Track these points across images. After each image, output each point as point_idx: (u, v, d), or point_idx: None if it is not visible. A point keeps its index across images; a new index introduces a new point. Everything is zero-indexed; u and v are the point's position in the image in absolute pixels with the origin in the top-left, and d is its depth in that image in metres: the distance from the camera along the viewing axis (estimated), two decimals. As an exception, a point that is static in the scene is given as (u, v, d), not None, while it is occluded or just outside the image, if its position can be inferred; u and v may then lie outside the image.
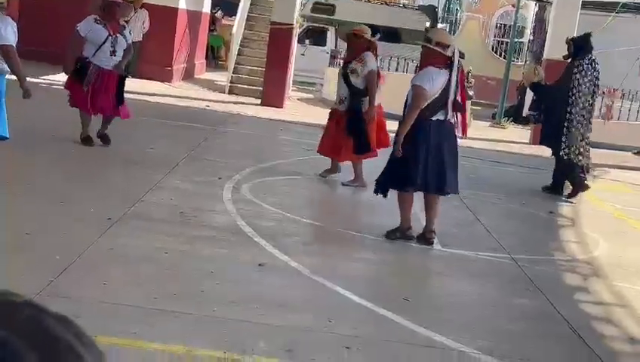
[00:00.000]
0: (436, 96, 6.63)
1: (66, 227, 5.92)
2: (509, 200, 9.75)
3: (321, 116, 9.67)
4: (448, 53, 6.67)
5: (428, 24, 23.58)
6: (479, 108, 20.61)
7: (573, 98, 9.91)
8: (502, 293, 6.00)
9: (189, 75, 19.24)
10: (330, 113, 9.28)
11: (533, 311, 5.62)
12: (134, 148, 9.36)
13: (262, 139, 12.28)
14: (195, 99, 15.63)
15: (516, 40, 22.94)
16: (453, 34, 28.34)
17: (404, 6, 31.41)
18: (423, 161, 6.64)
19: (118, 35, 8.95)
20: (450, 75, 6.64)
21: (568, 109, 9.91)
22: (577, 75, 9.93)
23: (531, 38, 24.42)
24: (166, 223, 6.47)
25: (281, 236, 6.60)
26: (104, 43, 8.87)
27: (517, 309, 5.65)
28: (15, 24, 6.92)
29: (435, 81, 6.62)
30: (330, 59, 22.31)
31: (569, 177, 10.19)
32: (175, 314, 4.53)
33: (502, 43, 27.44)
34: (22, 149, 7.90)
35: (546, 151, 11.05)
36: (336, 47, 22.75)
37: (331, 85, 17.24)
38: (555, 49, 14.54)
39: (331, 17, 24.40)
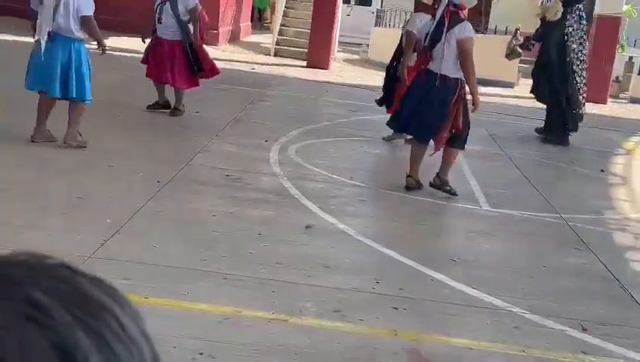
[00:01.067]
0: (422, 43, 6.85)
1: (116, 190, 6.01)
2: (559, 158, 9.62)
3: (367, 77, 9.61)
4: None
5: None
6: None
7: (568, 49, 10.15)
8: (551, 253, 5.94)
9: (234, 38, 19.24)
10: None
11: (583, 270, 5.56)
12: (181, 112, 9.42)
13: (308, 101, 12.25)
14: (240, 62, 15.64)
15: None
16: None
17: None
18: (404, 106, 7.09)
19: (166, 2, 8.92)
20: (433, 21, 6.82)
21: (565, 60, 10.16)
22: (569, 23, 10.18)
23: None
24: (213, 186, 6.52)
25: (328, 198, 6.61)
26: (155, 11, 8.94)
27: (566, 268, 5.60)
28: None
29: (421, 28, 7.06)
30: (376, 19, 22.09)
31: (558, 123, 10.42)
32: (224, 275, 4.58)
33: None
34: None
35: (598, 110, 10.87)
36: (382, 6, 22.52)
37: (377, 45, 17.10)
38: (608, 3, 14.20)
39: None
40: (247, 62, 15.80)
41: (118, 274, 4.31)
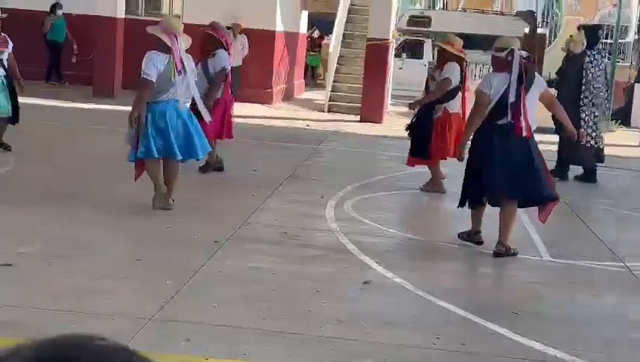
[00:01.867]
0: (497, 99, 6.55)
1: (175, 251, 6.08)
2: (622, 206, 9.44)
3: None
4: (502, 55, 6.64)
5: (527, 30, 23.17)
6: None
7: (587, 89, 10.39)
8: (616, 304, 5.80)
9: (288, 96, 19.49)
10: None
11: (650, 320, 5.41)
12: (238, 170, 9.53)
13: (362, 156, 12.30)
14: (295, 119, 15.82)
15: (620, 40, 22.25)
16: (554, 38, 27.75)
17: (502, 13, 30.97)
18: (488, 168, 6.54)
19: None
20: (511, 77, 6.55)
21: (583, 100, 10.37)
22: (590, 65, 10.46)
23: (636, 37, 23.65)
24: (271, 244, 6.56)
25: (385, 252, 6.58)
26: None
27: (633, 320, 5.45)
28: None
29: (494, 84, 6.57)
30: (427, 71, 22.18)
31: (583, 162, 10.65)
32: (283, 334, 4.58)
33: (605, 44, 26.68)
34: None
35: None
36: (433, 58, 22.60)
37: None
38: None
39: (428, 29, 24.29)
40: (301, 119, 15.97)
41: (179, 335, 4.35)
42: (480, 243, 6.81)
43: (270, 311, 4.93)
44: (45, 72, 17.24)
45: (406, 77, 20.73)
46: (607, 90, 10.91)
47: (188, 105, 7.34)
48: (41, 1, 17.04)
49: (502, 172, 6.49)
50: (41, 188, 7.82)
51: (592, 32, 11.05)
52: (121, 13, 16.21)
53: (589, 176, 10.64)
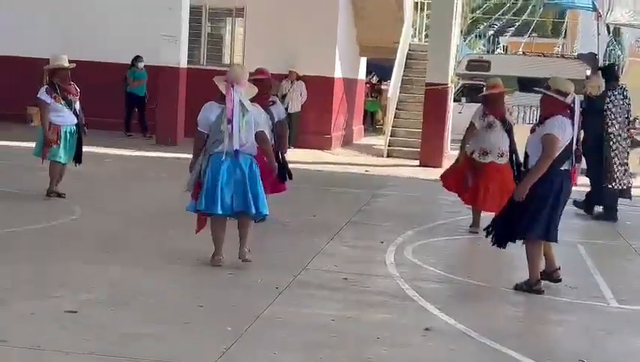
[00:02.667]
0: (566, 144, 6.57)
1: (236, 297, 6.10)
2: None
3: (481, 174, 9.55)
4: (568, 100, 6.60)
5: (588, 72, 22.90)
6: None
7: (606, 125, 10.40)
8: (688, 351, 5.60)
9: (347, 141, 19.57)
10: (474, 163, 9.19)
11: None
12: (297, 216, 9.56)
13: (422, 200, 12.23)
14: (354, 164, 15.85)
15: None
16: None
17: (563, 56, 30.73)
18: (549, 211, 6.60)
19: None
20: (573, 123, 6.60)
21: (605, 141, 10.42)
22: (610, 105, 10.43)
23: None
24: (331, 290, 6.53)
25: (446, 298, 6.50)
26: None
27: None
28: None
29: (566, 130, 6.56)
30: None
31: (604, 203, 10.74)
32: (344, 381, 4.53)
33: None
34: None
35: None
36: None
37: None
38: None
39: (487, 73, 24.20)
40: (360, 164, 16.00)
41: (239, 382, 4.33)
42: (541, 292, 6.76)
43: (331, 359, 4.90)
44: (124, 124, 17.54)
45: (466, 121, 20.61)
46: (628, 130, 10.79)
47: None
48: (122, 53, 17.52)
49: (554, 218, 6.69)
50: (104, 236, 7.96)
51: (608, 71, 11.02)
52: (183, 63, 16.57)
53: (607, 215, 10.67)
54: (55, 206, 9.23)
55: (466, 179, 9.19)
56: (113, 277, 6.41)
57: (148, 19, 17.14)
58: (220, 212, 6.82)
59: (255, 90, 7.08)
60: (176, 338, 5.06)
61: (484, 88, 9.64)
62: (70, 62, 9.61)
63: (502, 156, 9.08)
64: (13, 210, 8.88)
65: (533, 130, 6.77)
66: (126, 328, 5.18)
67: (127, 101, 17.66)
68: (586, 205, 10.82)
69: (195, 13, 17.70)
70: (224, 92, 6.80)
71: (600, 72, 11.04)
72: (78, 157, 9.75)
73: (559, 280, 6.91)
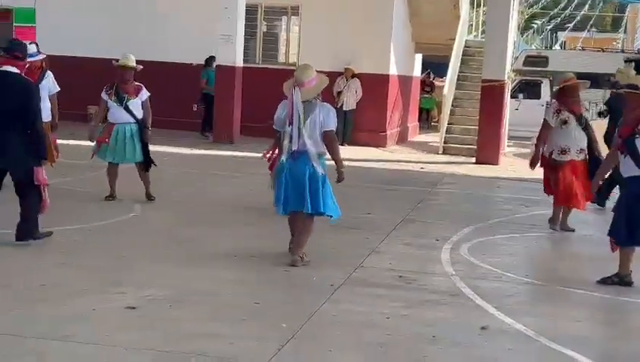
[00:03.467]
0: None
1: (292, 295, 6.14)
2: None
3: (540, 171, 9.43)
4: None
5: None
6: None
7: None
8: None
9: (402, 139, 19.52)
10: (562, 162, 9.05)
11: None
12: (352, 213, 9.55)
13: (479, 198, 12.13)
14: (409, 161, 15.80)
15: None
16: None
17: (623, 51, 30.13)
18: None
19: None
20: None
21: None
22: None
23: None
24: (386, 288, 6.53)
25: (503, 297, 6.44)
26: None
27: None
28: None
29: None
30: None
31: None
32: (399, 379, 4.53)
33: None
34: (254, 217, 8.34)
35: None
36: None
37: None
38: None
39: (545, 69, 23.88)
40: (415, 161, 15.94)
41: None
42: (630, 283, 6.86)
43: (385, 357, 4.90)
44: (201, 124, 17.40)
45: (523, 118, 20.37)
46: None
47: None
48: (180, 53, 17.74)
49: None
50: (163, 233, 8.08)
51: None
52: (239, 62, 16.70)
53: None
54: (115, 204, 9.39)
55: (552, 180, 9.10)
56: (172, 275, 6.51)
57: (204, 19, 17.33)
58: (280, 213, 6.93)
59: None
60: (233, 335, 5.12)
61: (557, 84, 9.49)
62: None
63: (581, 153, 8.98)
64: (75, 208, 9.06)
65: (628, 130, 6.72)
66: (184, 325, 5.26)
67: (203, 101, 17.33)
68: (600, 197, 10.37)
69: (250, 12, 17.82)
70: (287, 94, 6.85)
71: (633, 64, 10.97)
72: (145, 161, 9.57)
73: (630, 284, 6.85)
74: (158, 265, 6.77)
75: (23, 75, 7.26)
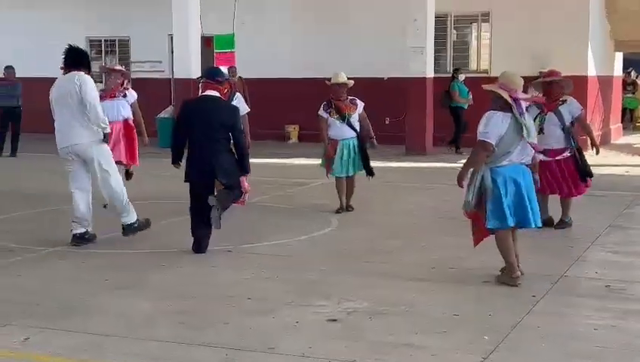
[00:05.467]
0: None
1: (491, 306, 6.02)
2: None
3: None
4: None
5: None
6: None
7: None
8: None
9: (604, 141, 18.64)
10: None
11: None
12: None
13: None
14: (612, 165, 15.06)
15: None
16: None
17: None
18: None
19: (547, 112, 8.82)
20: None
21: None
22: None
23: None
24: (593, 298, 6.26)
25: None
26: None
27: None
28: None
29: None
30: None
31: None
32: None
33: None
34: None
35: None
36: None
37: None
38: None
39: None
40: (620, 165, 15.18)
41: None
42: None
43: (595, 370, 4.69)
44: (452, 138, 16.66)
45: None
46: None
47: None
48: (368, 68, 18.02)
49: None
50: (362, 246, 8.18)
51: None
52: (430, 73, 16.68)
53: None
54: (314, 218, 9.65)
55: None
56: (371, 286, 6.58)
57: (394, 32, 17.45)
58: (511, 224, 6.49)
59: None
60: (434, 347, 5.09)
61: None
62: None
63: None
64: (280, 223, 9.41)
65: None
66: (385, 337, 5.30)
67: (453, 114, 16.78)
68: None
69: (439, 22, 17.77)
70: (509, 100, 6.40)
71: None
72: (367, 170, 9.89)
73: None
74: (358, 278, 6.86)
75: (224, 98, 7.75)
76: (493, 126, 6.36)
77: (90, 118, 7.87)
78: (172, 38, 18.17)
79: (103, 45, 22.12)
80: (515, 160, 6.43)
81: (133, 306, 6.02)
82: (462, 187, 6.52)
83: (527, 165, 6.55)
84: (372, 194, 11.57)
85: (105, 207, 8.52)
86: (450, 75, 17.22)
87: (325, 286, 6.59)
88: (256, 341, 5.19)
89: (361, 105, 9.87)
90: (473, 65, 18.60)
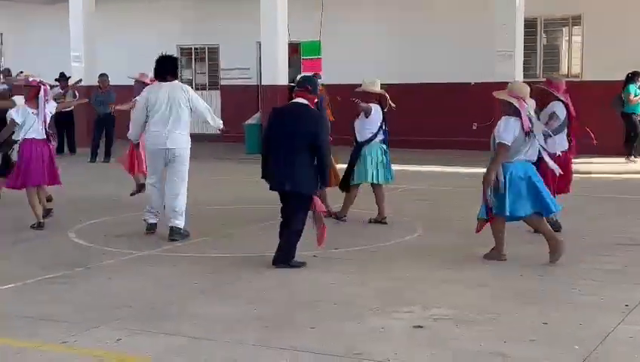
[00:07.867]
0: None
1: (581, 314, 5.88)
2: None
3: None
4: None
5: None
6: None
7: None
8: None
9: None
10: None
11: None
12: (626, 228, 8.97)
13: None
14: None
15: None
16: None
17: None
18: None
19: None
20: None
21: None
22: None
23: None
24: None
25: None
26: None
27: None
28: None
29: None
30: None
31: None
32: None
33: None
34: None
35: None
36: None
37: None
38: None
39: None
40: None
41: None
42: None
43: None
44: (625, 145, 16.17)
45: None
46: None
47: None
48: (455, 74, 17.85)
49: None
50: (446, 252, 8.09)
51: None
52: (519, 77, 16.42)
53: None
54: (397, 225, 9.60)
55: None
56: (456, 293, 6.52)
57: (483, 37, 17.26)
58: (508, 213, 7.37)
59: (532, 103, 7.59)
60: (523, 356, 5.00)
61: None
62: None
63: None
64: (365, 229, 9.42)
65: None
66: (472, 345, 5.23)
67: (625, 119, 16.10)
68: None
69: (529, 25, 17.48)
70: (517, 106, 7.33)
71: None
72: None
73: None
74: (443, 285, 6.81)
75: (313, 106, 7.71)
76: (510, 129, 7.29)
77: (209, 122, 9.08)
78: (260, 45, 18.41)
79: (193, 53, 22.63)
80: (523, 158, 7.37)
81: (221, 310, 6.11)
82: (489, 188, 7.27)
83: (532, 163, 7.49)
84: (452, 201, 11.45)
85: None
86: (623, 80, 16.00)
87: (411, 293, 6.56)
88: (341, 346, 5.20)
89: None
90: (564, 69, 18.22)
